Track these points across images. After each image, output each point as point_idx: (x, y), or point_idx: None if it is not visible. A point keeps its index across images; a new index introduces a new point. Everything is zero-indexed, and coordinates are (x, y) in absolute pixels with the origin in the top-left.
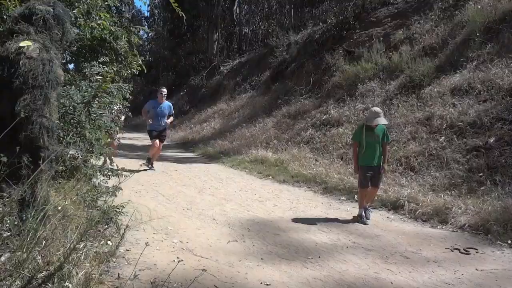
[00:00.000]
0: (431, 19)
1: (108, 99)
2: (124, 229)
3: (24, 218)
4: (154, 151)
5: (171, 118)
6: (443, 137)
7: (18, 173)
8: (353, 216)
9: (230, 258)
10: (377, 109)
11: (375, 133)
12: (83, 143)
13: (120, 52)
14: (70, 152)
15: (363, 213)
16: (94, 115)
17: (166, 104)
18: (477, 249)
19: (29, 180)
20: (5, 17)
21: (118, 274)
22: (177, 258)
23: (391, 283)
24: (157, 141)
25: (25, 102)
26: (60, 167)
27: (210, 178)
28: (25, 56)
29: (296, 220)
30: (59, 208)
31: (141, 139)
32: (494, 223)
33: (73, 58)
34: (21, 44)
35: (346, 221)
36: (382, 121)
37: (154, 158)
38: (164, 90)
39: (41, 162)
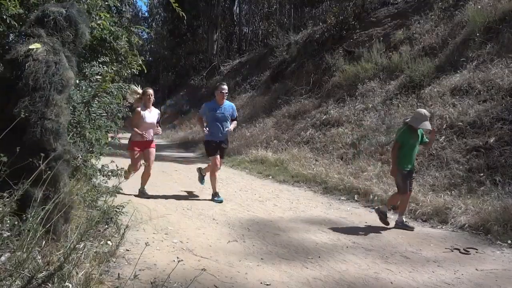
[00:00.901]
0: (431, 19)
1: (108, 99)
2: (124, 229)
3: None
4: (213, 170)
5: (235, 123)
6: (443, 137)
7: (19, 174)
8: (395, 223)
9: (230, 258)
10: (426, 112)
11: (417, 135)
12: (83, 143)
13: (120, 52)
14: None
15: (403, 219)
16: (94, 115)
17: (228, 105)
18: (477, 249)
19: (42, 180)
20: (5, 17)
21: (118, 274)
22: (177, 258)
23: (391, 283)
24: (218, 157)
25: (24, 103)
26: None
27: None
28: (32, 58)
29: (296, 220)
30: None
31: None
32: (494, 223)
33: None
34: (30, 46)
35: (346, 221)
36: (429, 126)
37: (215, 182)
38: (225, 87)
39: (41, 162)
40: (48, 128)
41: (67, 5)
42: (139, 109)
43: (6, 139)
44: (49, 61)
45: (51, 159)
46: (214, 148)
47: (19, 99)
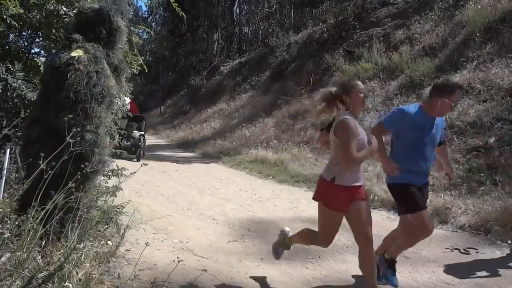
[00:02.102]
0: (431, 19)
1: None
2: (124, 229)
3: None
4: (417, 240)
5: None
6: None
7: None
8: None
9: (230, 258)
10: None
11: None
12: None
13: None
14: None
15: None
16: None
17: (440, 120)
18: (477, 249)
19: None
20: (5, 17)
21: (118, 274)
22: (177, 258)
23: None
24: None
25: (65, 117)
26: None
27: (210, 178)
28: (74, 68)
29: (296, 220)
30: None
31: None
32: (494, 223)
33: None
34: (73, 54)
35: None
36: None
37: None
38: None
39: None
40: (87, 140)
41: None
42: (349, 119)
43: (50, 146)
44: (90, 72)
45: (86, 170)
46: (420, 198)
47: (60, 111)
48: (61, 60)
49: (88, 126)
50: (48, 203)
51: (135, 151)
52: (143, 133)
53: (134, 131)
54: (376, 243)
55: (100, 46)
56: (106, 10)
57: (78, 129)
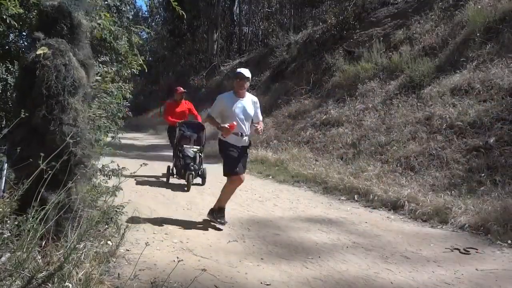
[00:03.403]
0: (431, 19)
1: (108, 99)
2: (124, 229)
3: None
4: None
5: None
6: (443, 137)
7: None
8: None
9: (230, 258)
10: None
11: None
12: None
13: (120, 52)
14: None
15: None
16: (94, 115)
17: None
18: (477, 249)
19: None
20: (5, 17)
21: (118, 274)
22: (177, 258)
23: (391, 283)
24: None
25: (41, 112)
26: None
27: (210, 178)
28: (41, 64)
29: (296, 220)
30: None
31: (142, 139)
32: (494, 223)
33: None
34: (38, 52)
35: (346, 221)
36: None
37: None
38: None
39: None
40: (66, 133)
41: None
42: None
43: (32, 145)
44: (57, 65)
45: (71, 164)
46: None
47: (36, 107)
48: (28, 59)
49: (66, 118)
50: (47, 203)
51: (185, 172)
52: (201, 147)
53: (188, 146)
54: (376, 243)
55: (64, 40)
56: (65, 6)
57: (57, 123)
